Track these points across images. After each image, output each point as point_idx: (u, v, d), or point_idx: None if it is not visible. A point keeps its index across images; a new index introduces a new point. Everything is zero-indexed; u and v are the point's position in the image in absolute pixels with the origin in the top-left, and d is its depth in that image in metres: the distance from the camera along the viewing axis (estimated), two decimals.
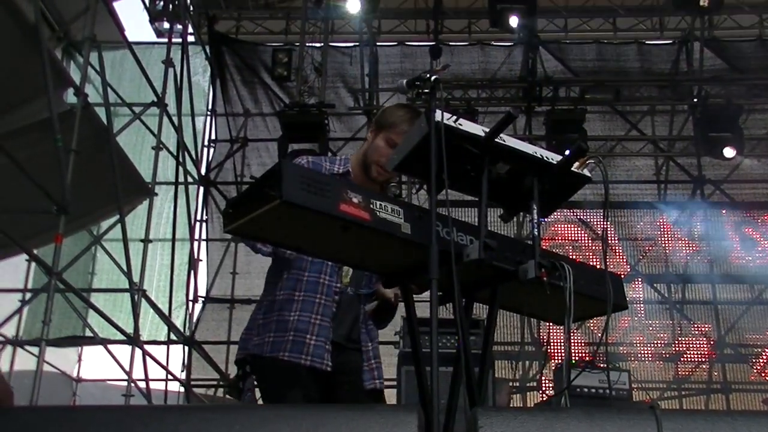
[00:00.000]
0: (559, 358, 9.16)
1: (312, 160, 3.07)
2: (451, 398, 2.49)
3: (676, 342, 9.93)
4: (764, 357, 9.80)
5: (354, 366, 2.94)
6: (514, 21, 9.52)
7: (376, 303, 2.96)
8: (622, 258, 10.23)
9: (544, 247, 2.52)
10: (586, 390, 6.34)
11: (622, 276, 9.60)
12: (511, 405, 8.35)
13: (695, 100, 10.42)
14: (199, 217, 10.74)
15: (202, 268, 10.79)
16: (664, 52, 11.06)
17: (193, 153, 10.40)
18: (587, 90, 10.39)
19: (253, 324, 2.94)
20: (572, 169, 2.57)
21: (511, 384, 9.04)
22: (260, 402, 2.92)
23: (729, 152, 9.82)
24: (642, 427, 1.81)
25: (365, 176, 3.02)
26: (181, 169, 9.68)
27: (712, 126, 9.88)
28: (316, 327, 2.82)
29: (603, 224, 10.09)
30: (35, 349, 6.82)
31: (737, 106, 9.98)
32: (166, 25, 10.42)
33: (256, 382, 2.86)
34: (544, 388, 9.54)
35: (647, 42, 11.20)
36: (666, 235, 10.32)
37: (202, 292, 10.67)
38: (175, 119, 9.39)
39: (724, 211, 10.44)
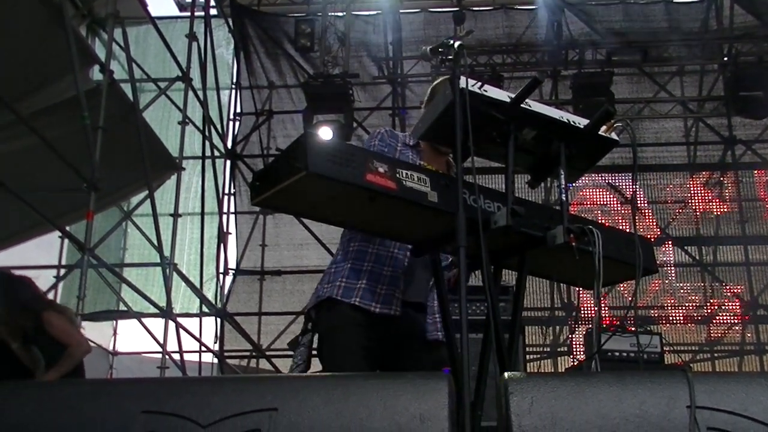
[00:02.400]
0: (590, 322, 9.13)
1: (388, 130, 3.12)
2: (482, 364, 2.51)
3: (708, 304, 9.84)
4: None
5: (420, 330, 2.96)
6: None
7: (455, 272, 2.96)
8: (652, 221, 10.13)
9: (572, 212, 2.50)
10: (617, 354, 6.30)
11: (652, 239, 9.57)
12: (542, 370, 8.34)
13: (725, 58, 10.20)
14: (227, 191, 10.81)
15: (232, 240, 10.89)
16: (692, 10, 10.77)
17: (219, 127, 10.44)
18: (614, 52, 10.19)
19: (324, 277, 2.98)
20: (600, 132, 2.55)
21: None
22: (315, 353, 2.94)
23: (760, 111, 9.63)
24: (674, 390, 1.80)
25: (432, 147, 3.07)
26: (207, 143, 9.74)
27: (743, 85, 9.65)
28: (387, 278, 2.85)
29: (632, 188, 9.98)
30: None
31: None
32: None
33: (316, 334, 2.90)
34: (574, 353, 9.53)
35: (675, 0, 10.93)
36: (696, 197, 10.20)
37: (232, 264, 10.77)
38: (200, 93, 9.41)
39: (756, 172, 10.27)
